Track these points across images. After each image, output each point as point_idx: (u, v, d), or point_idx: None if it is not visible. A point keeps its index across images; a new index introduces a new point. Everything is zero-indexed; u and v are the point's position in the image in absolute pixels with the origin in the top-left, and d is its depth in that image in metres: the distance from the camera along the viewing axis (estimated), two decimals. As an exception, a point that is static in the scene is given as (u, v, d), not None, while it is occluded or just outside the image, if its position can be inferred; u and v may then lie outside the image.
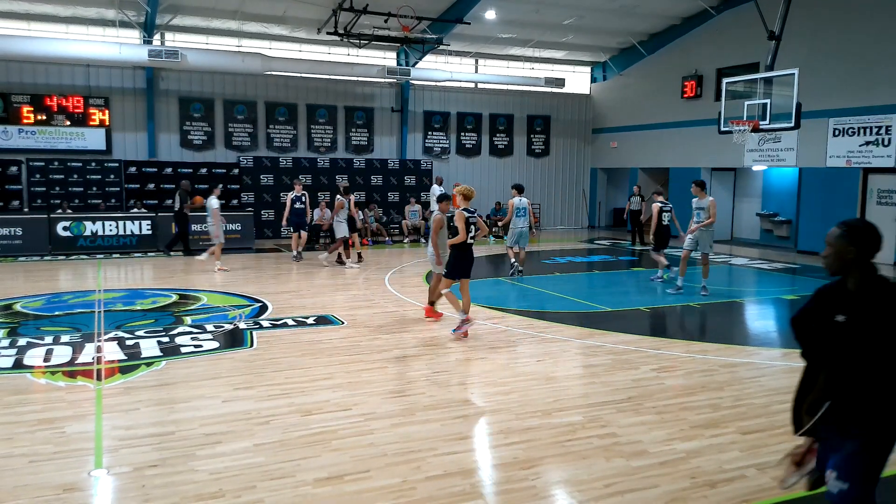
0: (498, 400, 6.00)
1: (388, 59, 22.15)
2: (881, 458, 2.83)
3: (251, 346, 7.79)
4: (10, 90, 17.92)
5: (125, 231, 16.47)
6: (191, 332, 8.28)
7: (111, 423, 5.27)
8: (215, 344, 7.81)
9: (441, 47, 20.26)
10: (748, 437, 5.13)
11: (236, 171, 19.58)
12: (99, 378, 6.44)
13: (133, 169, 18.97)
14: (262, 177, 19.64)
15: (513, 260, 13.14)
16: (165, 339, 7.90)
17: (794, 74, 12.79)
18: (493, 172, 24.12)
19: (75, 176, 18.40)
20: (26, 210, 17.65)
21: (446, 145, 23.45)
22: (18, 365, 6.87)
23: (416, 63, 21.83)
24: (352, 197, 14.41)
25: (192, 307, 9.92)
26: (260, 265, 14.52)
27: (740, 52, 18.82)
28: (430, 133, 23.16)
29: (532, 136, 24.87)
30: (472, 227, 8.31)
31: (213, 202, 13.71)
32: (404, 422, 5.40)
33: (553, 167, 25.41)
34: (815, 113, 16.10)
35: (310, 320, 9.14)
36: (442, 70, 22.04)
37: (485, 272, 13.75)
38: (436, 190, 18.93)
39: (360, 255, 14.91)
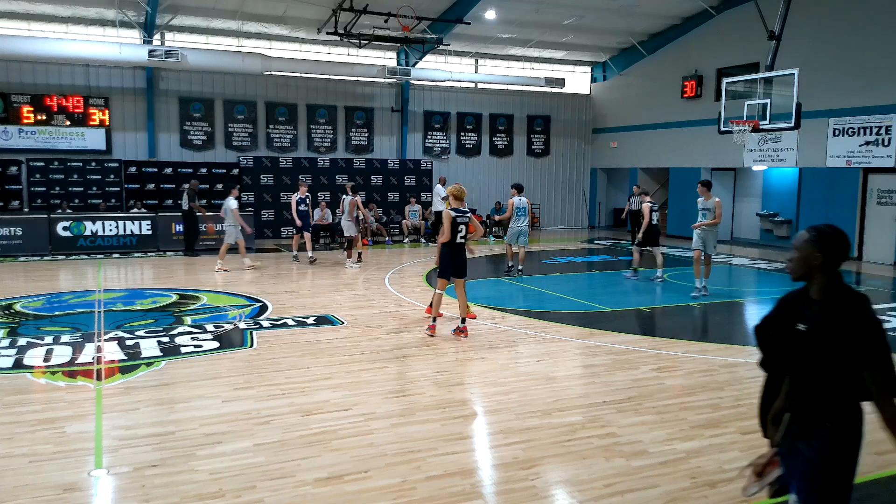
0: (498, 400, 6.00)
1: (388, 59, 22.15)
2: (846, 472, 2.72)
3: (251, 346, 7.79)
4: (10, 90, 17.92)
5: (125, 231, 16.46)
6: (191, 332, 8.28)
7: (111, 423, 5.27)
8: (215, 344, 7.82)
9: (441, 47, 20.28)
10: (748, 437, 5.12)
11: (236, 171, 19.59)
12: (99, 378, 6.44)
13: (133, 169, 18.98)
14: (262, 177, 19.63)
15: (510, 262, 13.20)
16: (165, 339, 7.90)
17: (794, 74, 12.80)
18: (493, 172, 24.12)
19: (75, 176, 18.41)
20: (26, 210, 17.66)
21: (446, 145, 23.45)
22: (18, 365, 6.88)
23: (416, 63, 21.83)
24: (358, 197, 14.49)
25: (192, 307, 9.93)
26: (260, 265, 14.51)
27: (740, 52, 18.82)
28: (430, 133, 23.15)
29: (532, 136, 24.86)
30: (463, 227, 8.26)
31: (232, 203, 13.72)
32: (404, 422, 5.40)
33: (553, 167, 25.41)
34: (815, 113, 16.10)
35: (310, 320, 9.14)
36: (442, 70, 22.03)
37: (485, 272, 13.76)
38: (440, 190, 19.00)
39: (359, 255, 14.93)
